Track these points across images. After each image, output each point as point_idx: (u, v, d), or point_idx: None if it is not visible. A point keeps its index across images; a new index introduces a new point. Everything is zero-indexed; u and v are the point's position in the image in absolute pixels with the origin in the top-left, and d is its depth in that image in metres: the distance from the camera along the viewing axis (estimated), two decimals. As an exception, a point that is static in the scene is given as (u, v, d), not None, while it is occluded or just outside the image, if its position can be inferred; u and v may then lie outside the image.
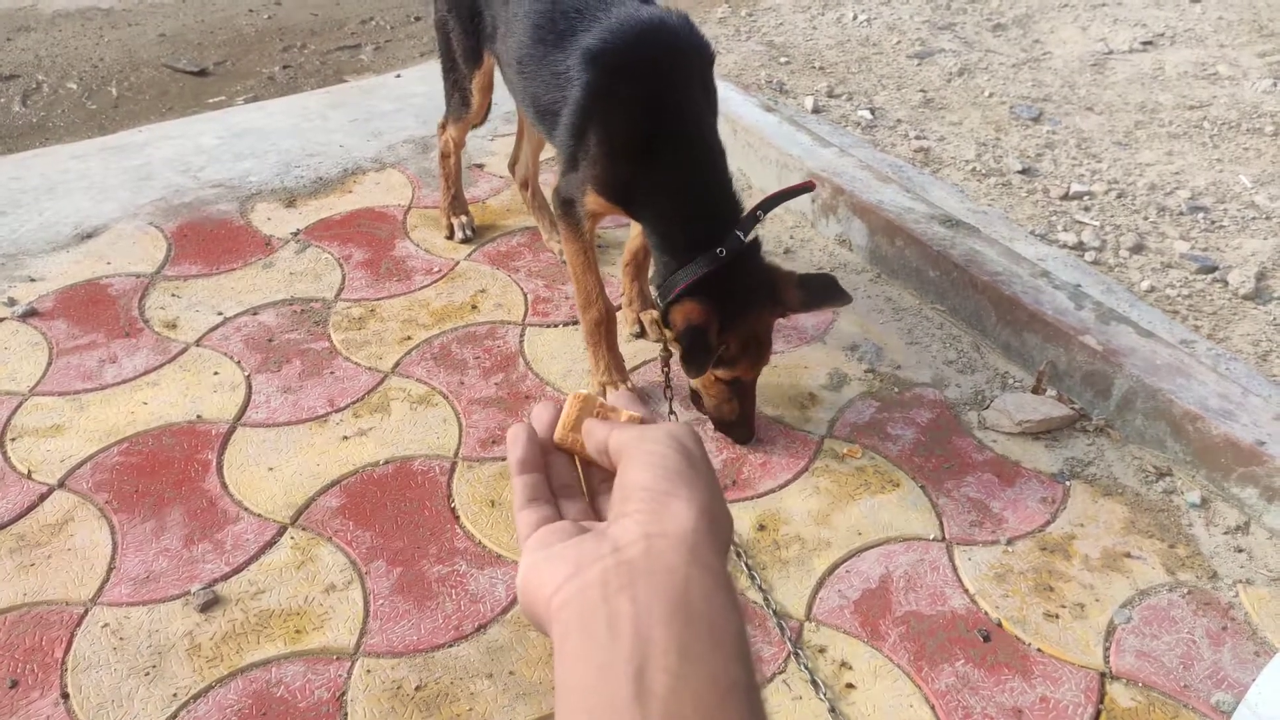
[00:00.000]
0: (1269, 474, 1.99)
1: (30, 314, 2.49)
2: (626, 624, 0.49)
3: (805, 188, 2.10)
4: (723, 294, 1.98)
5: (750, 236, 2.01)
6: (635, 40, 1.99)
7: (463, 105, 2.65)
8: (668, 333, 2.07)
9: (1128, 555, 1.96)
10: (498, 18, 2.31)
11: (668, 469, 0.57)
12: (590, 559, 0.54)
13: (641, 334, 2.50)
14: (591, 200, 2.08)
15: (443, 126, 2.80)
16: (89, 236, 2.80)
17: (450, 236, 2.85)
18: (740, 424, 2.17)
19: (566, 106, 2.04)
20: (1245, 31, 4.18)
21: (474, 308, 2.59)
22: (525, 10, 2.14)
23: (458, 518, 2.01)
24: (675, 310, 2.00)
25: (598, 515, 0.66)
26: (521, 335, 2.50)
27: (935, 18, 4.36)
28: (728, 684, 0.47)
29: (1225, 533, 2.01)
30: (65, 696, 1.66)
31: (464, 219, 2.86)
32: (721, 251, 1.97)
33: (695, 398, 2.23)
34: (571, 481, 0.68)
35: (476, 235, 2.87)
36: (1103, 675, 1.74)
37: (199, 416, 2.22)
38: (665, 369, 2.21)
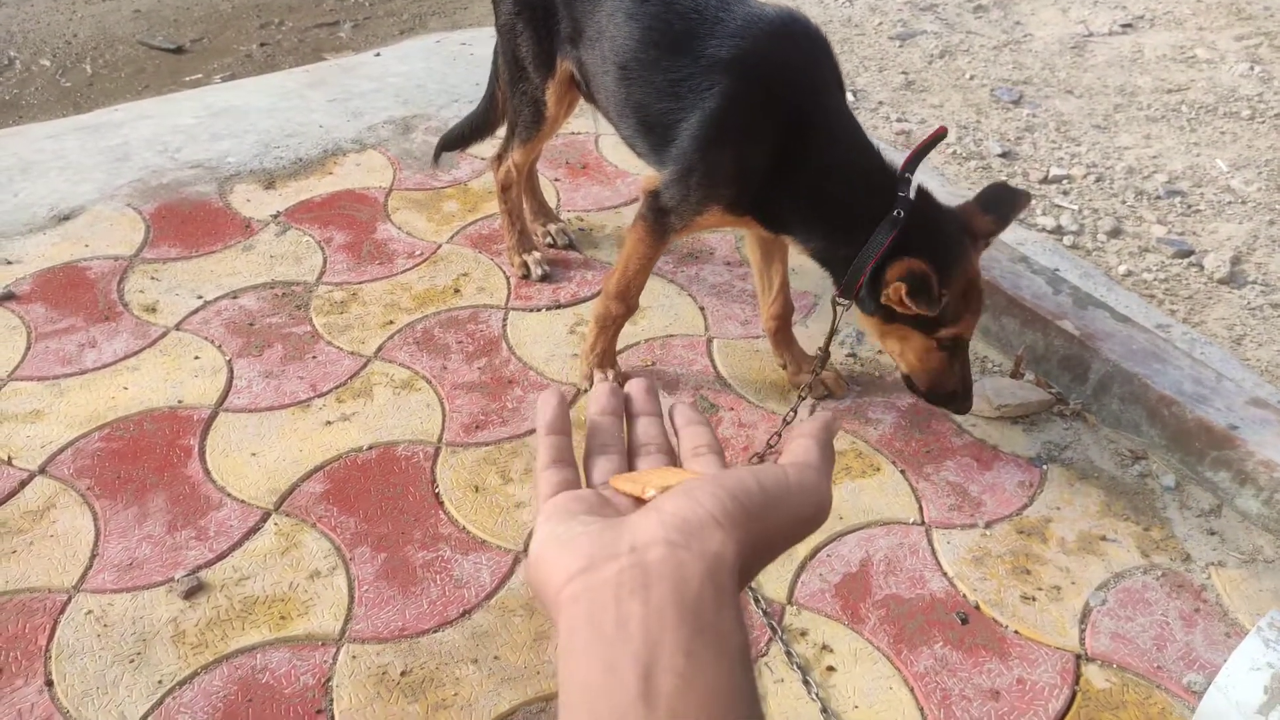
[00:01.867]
0: (1241, 458, 2.03)
1: (7, 297, 2.46)
2: (636, 625, 0.50)
3: (939, 135, 1.97)
4: (923, 250, 1.87)
5: (914, 190, 1.93)
6: (771, 43, 1.93)
7: (536, 120, 2.38)
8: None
9: (1103, 538, 2.00)
10: (581, 20, 2.13)
11: (737, 501, 0.57)
12: (606, 555, 0.53)
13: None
14: (712, 216, 2.01)
15: (499, 158, 2.54)
16: (66, 218, 2.77)
17: (526, 276, 2.62)
18: (964, 392, 2.06)
19: (694, 116, 1.94)
20: (1223, 14, 4.20)
21: (456, 291, 2.59)
22: (630, 11, 2.01)
23: (442, 503, 2.01)
24: (890, 270, 1.87)
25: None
26: (504, 319, 2.50)
27: (917, -2, 4.36)
28: (732, 690, 0.48)
29: (1198, 515, 2.05)
30: (49, 684, 1.66)
31: (536, 255, 2.64)
32: (899, 213, 1.89)
33: (909, 382, 2.11)
34: (611, 441, 0.69)
35: (551, 270, 2.64)
36: (1078, 657, 1.78)
37: (180, 401, 2.22)
38: (815, 374, 2.17)
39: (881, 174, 1.96)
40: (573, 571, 0.54)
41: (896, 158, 2.00)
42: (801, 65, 1.97)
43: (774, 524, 0.58)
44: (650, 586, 0.51)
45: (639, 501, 0.61)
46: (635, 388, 0.72)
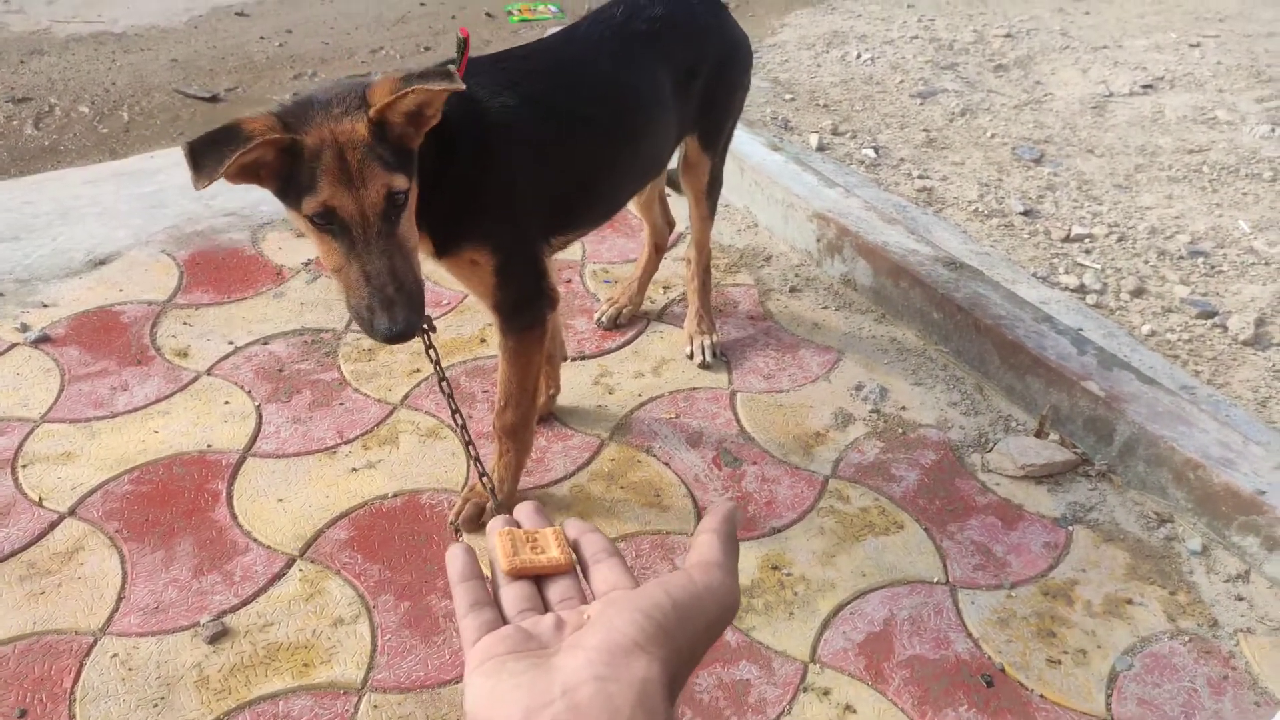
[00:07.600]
0: (1269, 523, 2.01)
1: (43, 340, 2.51)
2: None
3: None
4: None
5: None
6: None
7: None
8: None
9: (1129, 602, 1.98)
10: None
11: (653, 621, 0.59)
12: (540, 703, 0.56)
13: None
14: None
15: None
16: (102, 263, 2.82)
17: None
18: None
19: None
20: (1243, 77, 4.24)
21: (483, 341, 2.61)
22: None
23: (465, 553, 2.01)
24: None
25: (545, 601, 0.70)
26: (529, 369, 2.52)
27: (938, 58, 4.42)
28: None
29: (1226, 581, 2.03)
30: (74, 728, 1.67)
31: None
32: None
33: None
34: (528, 595, 0.70)
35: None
36: (1105, 723, 1.76)
37: (209, 446, 2.24)
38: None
39: None
40: None
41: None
42: None
43: (690, 634, 0.60)
44: None
45: (559, 624, 0.63)
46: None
